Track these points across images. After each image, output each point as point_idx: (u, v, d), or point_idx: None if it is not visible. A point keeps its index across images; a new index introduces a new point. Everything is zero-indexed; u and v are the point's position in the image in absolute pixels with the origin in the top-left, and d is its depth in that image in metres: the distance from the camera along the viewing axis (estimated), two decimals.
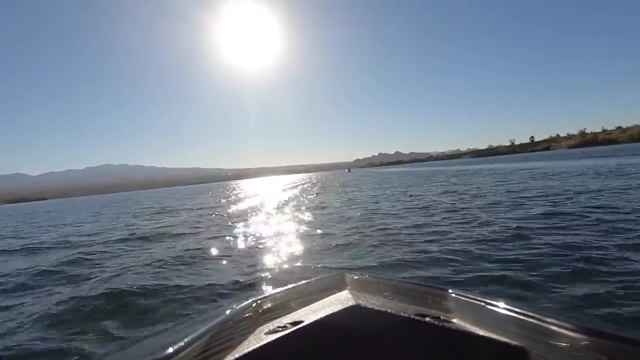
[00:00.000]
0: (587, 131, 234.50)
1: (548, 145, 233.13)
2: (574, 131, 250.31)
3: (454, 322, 0.93)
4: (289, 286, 1.33)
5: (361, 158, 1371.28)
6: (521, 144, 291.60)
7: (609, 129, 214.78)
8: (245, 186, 60.35)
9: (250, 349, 0.81)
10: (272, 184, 59.49)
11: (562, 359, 0.75)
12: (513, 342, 0.80)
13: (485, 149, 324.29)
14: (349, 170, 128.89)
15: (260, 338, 0.90)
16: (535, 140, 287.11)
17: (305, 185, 37.02)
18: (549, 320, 0.80)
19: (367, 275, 1.38)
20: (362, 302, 0.97)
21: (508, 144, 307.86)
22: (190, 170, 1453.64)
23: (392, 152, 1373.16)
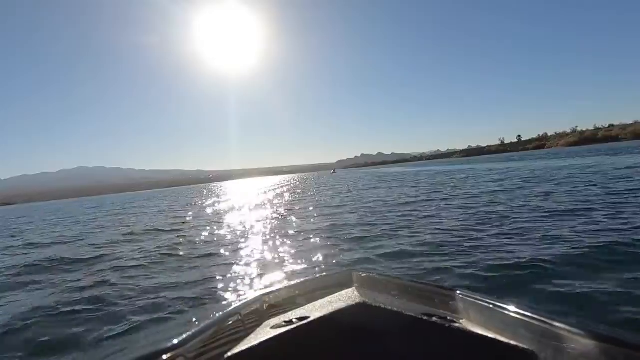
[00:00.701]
0: (579, 129, 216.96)
1: (541, 143, 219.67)
2: (564, 130, 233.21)
3: (461, 323, 0.92)
4: (297, 282, 1.37)
5: (344, 159, 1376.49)
6: (512, 142, 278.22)
7: (600, 126, 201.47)
8: (223, 189, 56.18)
9: (256, 342, 0.82)
10: (252, 187, 54.93)
11: None
12: (521, 345, 0.79)
13: (475, 148, 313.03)
14: (334, 172, 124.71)
15: (266, 332, 0.90)
16: (523, 139, 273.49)
17: (283, 190, 29.02)
18: (558, 324, 0.78)
19: (374, 274, 1.42)
20: (369, 300, 0.98)
21: (498, 142, 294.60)
22: (171, 173, 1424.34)
23: (374, 153, 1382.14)
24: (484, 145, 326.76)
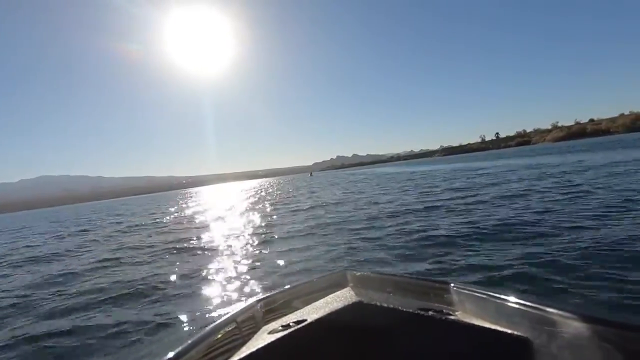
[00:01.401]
0: (560, 125, 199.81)
1: (524, 139, 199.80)
2: (543, 126, 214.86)
3: (457, 315, 0.95)
4: (292, 285, 1.36)
5: (320, 161, 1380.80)
6: (493, 139, 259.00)
7: (581, 121, 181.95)
8: (196, 196, 51.57)
9: (254, 349, 0.81)
10: (227, 192, 52.18)
11: (566, 348, 0.76)
12: (516, 333, 0.81)
13: (456, 147, 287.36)
14: (312, 174, 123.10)
15: (264, 338, 0.90)
16: (501, 136, 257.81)
17: (258, 197, 24.61)
18: (551, 310, 0.81)
19: (369, 272, 1.44)
20: (365, 299, 0.98)
21: (478, 140, 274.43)
22: (142, 179, 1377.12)
23: (350, 155, 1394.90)
24: (459, 144, 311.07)
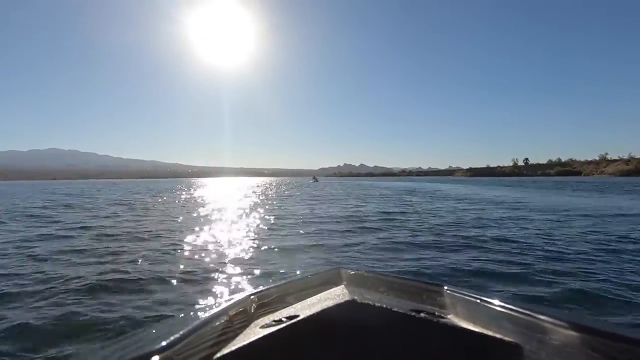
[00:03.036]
0: (608, 157, 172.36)
1: (569, 169, 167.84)
2: (591, 157, 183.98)
3: (448, 318, 0.94)
4: (285, 281, 1.36)
5: (326, 167, 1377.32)
6: (529, 164, 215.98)
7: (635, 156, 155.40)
8: (202, 189, 48.67)
9: (245, 342, 0.81)
10: (233, 187, 48.72)
11: (555, 356, 0.75)
12: (507, 339, 0.80)
13: (484, 168, 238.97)
14: (315, 180, 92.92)
15: (255, 332, 0.89)
16: (530, 163, 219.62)
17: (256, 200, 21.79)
18: (542, 316, 0.81)
19: (363, 271, 1.42)
20: (358, 297, 0.98)
21: (510, 163, 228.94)
22: (148, 163, 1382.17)
23: (357, 164, 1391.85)
24: (486, 165, 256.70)
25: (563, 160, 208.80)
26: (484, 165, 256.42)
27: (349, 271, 1.36)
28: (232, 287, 4.34)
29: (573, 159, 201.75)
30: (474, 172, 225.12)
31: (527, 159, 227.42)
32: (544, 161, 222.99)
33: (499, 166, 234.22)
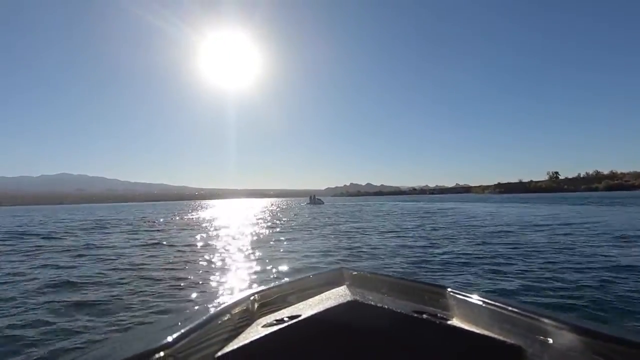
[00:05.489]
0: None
1: (622, 182, 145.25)
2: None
3: (452, 320, 0.93)
4: (288, 280, 1.36)
5: (333, 187, 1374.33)
6: (570, 178, 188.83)
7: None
8: (205, 210, 45.99)
9: (247, 341, 0.81)
10: (234, 210, 44.79)
11: (559, 358, 0.75)
12: (509, 341, 0.80)
13: (516, 183, 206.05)
14: (315, 201, 54.56)
15: (257, 330, 0.90)
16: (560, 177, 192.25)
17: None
18: (545, 319, 0.80)
19: (365, 272, 1.42)
20: (360, 298, 0.98)
21: (546, 177, 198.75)
22: (156, 186, 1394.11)
23: (363, 183, 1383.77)
24: (518, 179, 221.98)
25: (591, 172, 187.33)
26: (500, 182, 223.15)
27: (352, 271, 1.35)
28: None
29: (614, 171, 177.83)
30: (505, 188, 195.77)
31: (557, 172, 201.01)
32: (571, 175, 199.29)
33: (532, 181, 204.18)
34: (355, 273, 1.34)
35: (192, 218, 26.40)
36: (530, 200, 49.78)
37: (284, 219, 22.66)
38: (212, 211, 42.14)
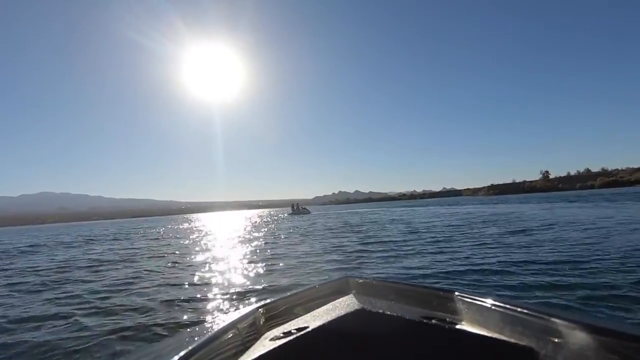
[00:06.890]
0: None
1: (618, 179, 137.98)
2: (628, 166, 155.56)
3: (461, 325, 0.92)
4: (293, 292, 1.34)
5: (321, 195, 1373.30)
6: (564, 176, 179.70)
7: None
8: (186, 224, 42.53)
9: (255, 356, 0.80)
10: (220, 222, 43.16)
11: (572, 359, 0.73)
12: (521, 343, 0.79)
13: (510, 184, 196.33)
14: (298, 210, 44.63)
15: (264, 345, 0.88)
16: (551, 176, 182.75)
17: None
18: (557, 319, 0.78)
19: (371, 279, 1.40)
20: (367, 306, 0.96)
21: (539, 176, 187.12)
22: (142, 202, 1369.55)
23: (352, 191, 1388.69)
24: (512, 180, 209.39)
25: (580, 170, 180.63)
26: (492, 183, 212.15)
27: (357, 279, 1.34)
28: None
29: (605, 168, 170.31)
30: (499, 190, 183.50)
31: (547, 171, 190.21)
32: (560, 174, 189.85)
33: (525, 181, 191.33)
34: (361, 281, 1.33)
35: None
36: (542, 199, 43.01)
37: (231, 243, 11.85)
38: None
